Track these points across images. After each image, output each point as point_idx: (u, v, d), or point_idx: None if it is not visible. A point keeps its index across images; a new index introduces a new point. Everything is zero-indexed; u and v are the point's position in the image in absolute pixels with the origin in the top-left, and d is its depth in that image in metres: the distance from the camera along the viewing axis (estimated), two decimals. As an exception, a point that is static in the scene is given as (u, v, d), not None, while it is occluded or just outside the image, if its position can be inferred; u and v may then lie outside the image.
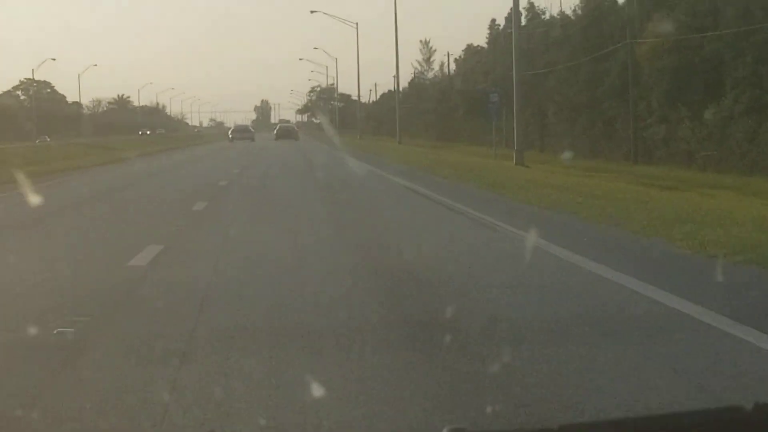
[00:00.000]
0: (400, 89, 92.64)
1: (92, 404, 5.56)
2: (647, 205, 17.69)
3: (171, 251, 12.38)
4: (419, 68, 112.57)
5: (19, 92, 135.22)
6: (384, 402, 5.56)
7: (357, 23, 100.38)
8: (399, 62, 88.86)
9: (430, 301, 8.63)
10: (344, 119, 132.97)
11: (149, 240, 13.20)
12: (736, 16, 45.70)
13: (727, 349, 6.62)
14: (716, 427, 2.62)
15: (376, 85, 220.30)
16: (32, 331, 7.43)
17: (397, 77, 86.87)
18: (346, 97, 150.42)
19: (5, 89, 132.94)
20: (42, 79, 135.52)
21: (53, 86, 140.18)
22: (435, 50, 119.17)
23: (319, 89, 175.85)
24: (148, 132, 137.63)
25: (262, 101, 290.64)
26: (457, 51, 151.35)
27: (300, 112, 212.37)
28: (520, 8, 51.67)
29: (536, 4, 72.60)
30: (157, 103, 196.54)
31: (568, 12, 65.73)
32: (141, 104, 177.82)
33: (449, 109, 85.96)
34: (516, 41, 40.68)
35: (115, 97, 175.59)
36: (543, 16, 71.15)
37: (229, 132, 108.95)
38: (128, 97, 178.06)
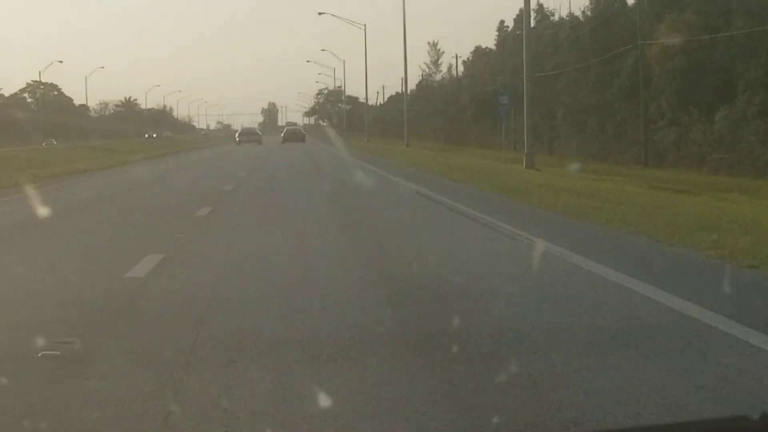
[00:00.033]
0: (408, 91, 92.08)
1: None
2: (665, 211, 17.07)
3: (171, 261, 11.79)
4: (427, 70, 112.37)
5: (26, 95, 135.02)
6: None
7: (365, 25, 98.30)
8: (407, 64, 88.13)
9: (444, 312, 8.00)
10: (352, 122, 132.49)
11: (149, 249, 12.63)
12: (747, 17, 45.08)
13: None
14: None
15: (384, 87, 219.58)
16: (16, 352, 6.82)
17: (405, 79, 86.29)
18: (353, 100, 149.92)
19: (12, 92, 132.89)
20: (49, 82, 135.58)
21: (60, 89, 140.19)
22: (443, 52, 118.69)
23: (326, 91, 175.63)
24: (154, 135, 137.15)
25: (270, 104, 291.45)
26: (466, 53, 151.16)
27: (308, 114, 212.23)
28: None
29: (545, 6, 72.15)
30: (165, 106, 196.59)
31: (578, 13, 65.27)
32: (148, 107, 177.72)
33: (457, 111, 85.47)
34: (527, 42, 40.01)
35: (122, 99, 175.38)
36: (552, 18, 70.69)
37: (237, 135, 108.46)
38: (135, 99, 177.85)
